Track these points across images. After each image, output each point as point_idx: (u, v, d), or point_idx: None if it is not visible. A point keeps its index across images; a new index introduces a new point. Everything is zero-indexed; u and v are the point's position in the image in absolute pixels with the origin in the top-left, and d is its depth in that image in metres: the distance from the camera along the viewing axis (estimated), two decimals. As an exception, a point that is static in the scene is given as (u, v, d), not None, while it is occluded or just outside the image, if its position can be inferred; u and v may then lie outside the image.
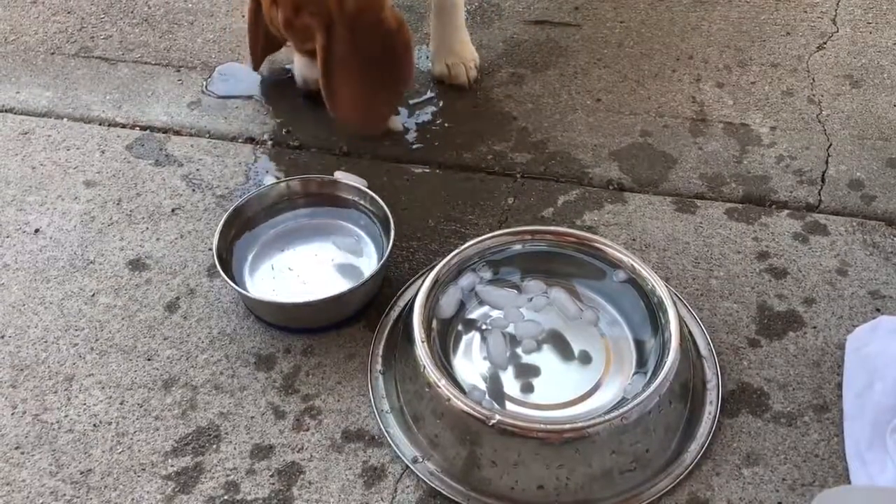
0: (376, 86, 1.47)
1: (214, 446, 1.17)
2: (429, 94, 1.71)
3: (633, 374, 1.20)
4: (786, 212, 1.46)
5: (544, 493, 1.09)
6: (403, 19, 1.45)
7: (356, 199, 1.42)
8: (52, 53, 1.85)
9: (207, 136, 1.64)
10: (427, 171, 1.56)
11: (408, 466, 1.14)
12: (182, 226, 1.47)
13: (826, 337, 1.27)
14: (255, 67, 1.72)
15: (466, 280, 1.28)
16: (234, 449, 1.17)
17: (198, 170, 1.56)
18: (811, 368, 1.23)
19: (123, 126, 1.67)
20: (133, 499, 1.12)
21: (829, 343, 1.26)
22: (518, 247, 1.31)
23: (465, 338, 1.26)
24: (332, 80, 1.45)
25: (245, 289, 1.32)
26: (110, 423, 1.20)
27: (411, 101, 1.69)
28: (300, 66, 1.61)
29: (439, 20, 1.68)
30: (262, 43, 1.66)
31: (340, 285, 1.30)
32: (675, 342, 1.14)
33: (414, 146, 1.61)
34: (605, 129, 1.63)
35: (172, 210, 1.49)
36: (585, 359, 1.22)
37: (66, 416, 1.21)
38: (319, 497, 1.12)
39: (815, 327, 1.28)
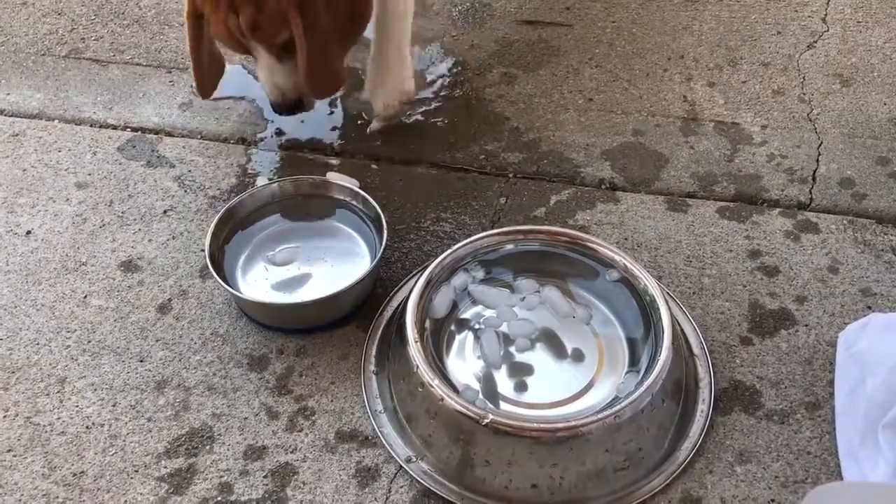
0: (342, 46, 1.43)
1: (208, 447, 1.17)
2: (421, 95, 1.71)
3: (626, 373, 1.20)
4: (777, 210, 1.46)
5: (538, 492, 1.09)
6: None
7: (348, 199, 1.42)
8: (43, 55, 1.84)
9: (199, 137, 1.64)
10: (419, 171, 1.56)
11: (401, 466, 1.14)
12: (174, 227, 1.46)
13: (818, 334, 1.27)
14: (207, 95, 1.53)
15: (459, 280, 1.28)
16: (228, 450, 1.17)
17: (190, 171, 1.56)
18: (803, 366, 1.24)
19: (115, 127, 1.66)
20: (126, 500, 1.12)
21: (820, 341, 1.26)
22: (510, 246, 1.31)
23: (458, 337, 1.26)
24: (315, 58, 1.37)
25: (237, 290, 1.32)
26: (103, 425, 1.20)
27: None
28: (271, 76, 1.43)
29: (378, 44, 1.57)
30: (210, 67, 1.50)
31: (333, 286, 1.30)
32: (667, 341, 1.14)
33: (406, 146, 1.61)
34: (597, 128, 1.63)
35: (164, 211, 1.49)
36: (578, 357, 1.23)
37: (59, 418, 1.21)
38: (313, 498, 1.11)
39: (806, 325, 1.29)
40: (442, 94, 1.72)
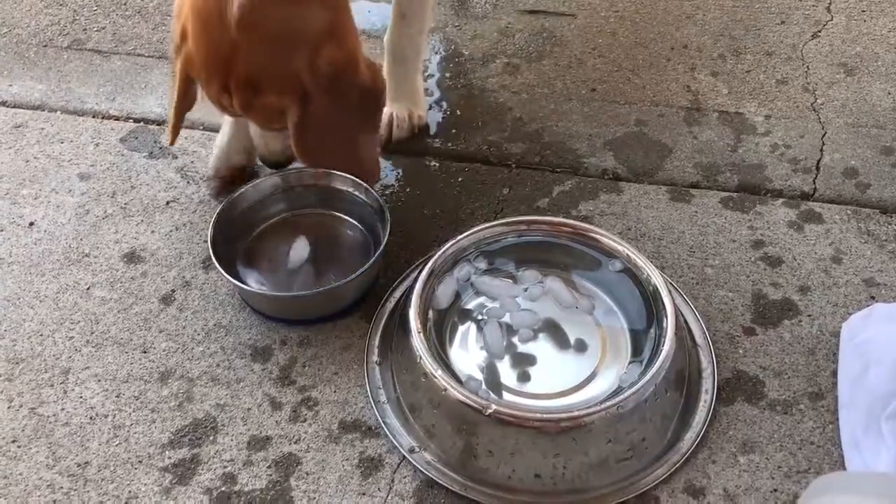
0: (355, 141, 1.33)
1: (211, 438, 1.17)
2: (423, 85, 1.70)
3: (629, 363, 1.20)
4: (781, 200, 1.46)
5: (541, 482, 1.09)
6: (377, 67, 1.31)
7: (351, 190, 1.41)
8: (45, 46, 1.84)
9: (201, 127, 1.63)
10: (422, 161, 1.56)
11: (405, 456, 1.14)
12: (177, 218, 1.46)
13: (821, 325, 1.27)
14: (173, 142, 1.41)
15: (462, 271, 1.28)
16: (231, 440, 1.17)
17: (192, 162, 1.56)
18: (806, 356, 1.23)
19: (117, 118, 1.66)
20: (130, 491, 1.12)
21: (823, 331, 1.26)
22: (513, 237, 1.31)
23: (461, 328, 1.26)
24: (311, 150, 1.30)
25: (240, 280, 1.32)
26: (107, 416, 1.20)
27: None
28: (261, 140, 1.36)
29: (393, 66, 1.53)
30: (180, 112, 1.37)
31: (336, 277, 1.30)
32: (670, 331, 1.14)
33: (408, 137, 1.60)
34: (600, 118, 1.63)
35: (167, 202, 1.49)
36: (581, 348, 1.22)
37: (63, 409, 1.21)
38: (317, 488, 1.12)
39: (809, 315, 1.29)
40: (444, 84, 1.71)
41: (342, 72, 1.22)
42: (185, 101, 1.33)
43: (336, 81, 1.21)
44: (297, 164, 1.39)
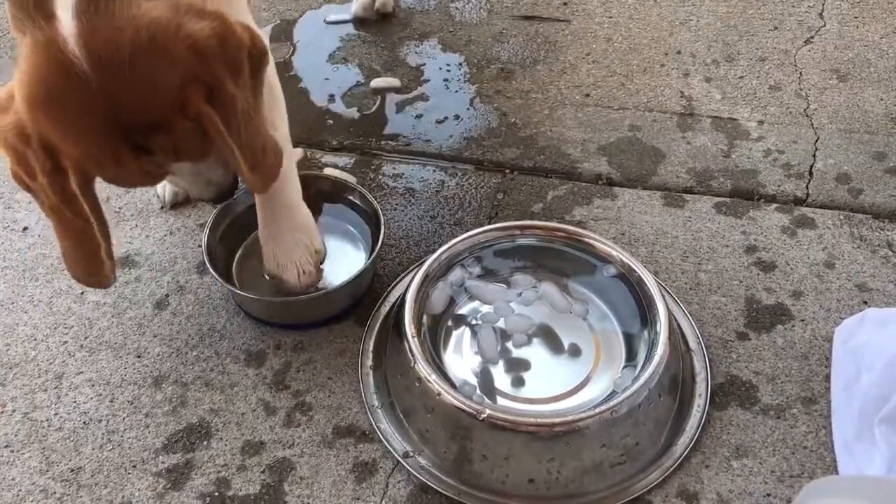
0: (256, 125, 1.06)
1: (205, 443, 1.17)
2: (418, 91, 1.71)
3: (623, 368, 1.20)
4: (774, 205, 1.46)
5: (535, 487, 1.09)
6: (251, 28, 1.04)
7: (346, 195, 1.42)
8: (39, 50, 1.84)
9: (196, 132, 1.63)
10: (416, 166, 1.56)
11: (399, 461, 1.14)
12: (171, 223, 1.46)
13: (814, 329, 1.27)
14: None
15: (456, 275, 1.28)
16: (225, 445, 1.17)
17: (187, 166, 1.56)
18: (799, 361, 1.24)
19: (111, 123, 1.66)
20: (124, 496, 1.12)
21: (816, 336, 1.27)
22: (507, 242, 1.31)
23: (455, 333, 1.26)
24: (246, 138, 1.03)
25: (234, 285, 1.32)
26: (100, 421, 1.20)
27: (400, 97, 1.70)
28: (202, 178, 1.16)
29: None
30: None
31: (330, 281, 1.30)
32: (664, 335, 1.15)
33: (403, 142, 1.61)
34: (594, 124, 1.63)
35: (161, 207, 1.49)
36: (575, 352, 1.23)
37: (56, 413, 1.21)
38: (311, 493, 1.12)
39: (803, 320, 1.29)
40: (438, 89, 1.71)
41: (224, 37, 0.98)
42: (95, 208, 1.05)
43: (224, 48, 0.98)
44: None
